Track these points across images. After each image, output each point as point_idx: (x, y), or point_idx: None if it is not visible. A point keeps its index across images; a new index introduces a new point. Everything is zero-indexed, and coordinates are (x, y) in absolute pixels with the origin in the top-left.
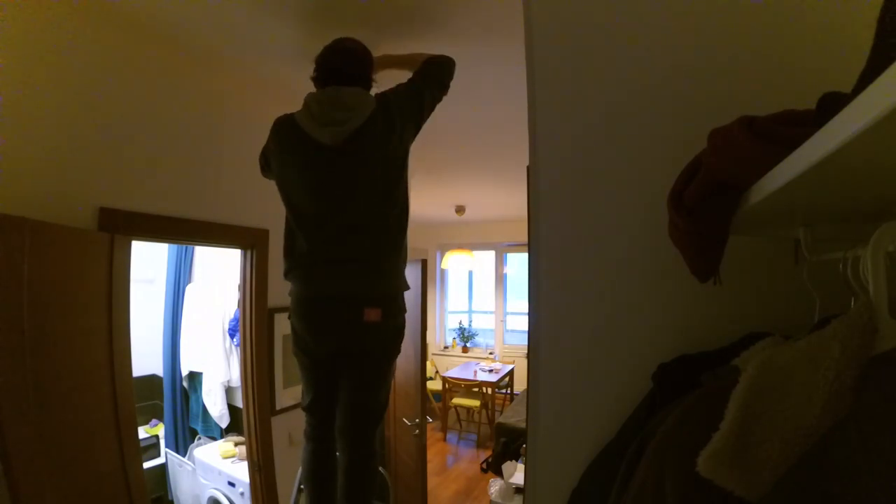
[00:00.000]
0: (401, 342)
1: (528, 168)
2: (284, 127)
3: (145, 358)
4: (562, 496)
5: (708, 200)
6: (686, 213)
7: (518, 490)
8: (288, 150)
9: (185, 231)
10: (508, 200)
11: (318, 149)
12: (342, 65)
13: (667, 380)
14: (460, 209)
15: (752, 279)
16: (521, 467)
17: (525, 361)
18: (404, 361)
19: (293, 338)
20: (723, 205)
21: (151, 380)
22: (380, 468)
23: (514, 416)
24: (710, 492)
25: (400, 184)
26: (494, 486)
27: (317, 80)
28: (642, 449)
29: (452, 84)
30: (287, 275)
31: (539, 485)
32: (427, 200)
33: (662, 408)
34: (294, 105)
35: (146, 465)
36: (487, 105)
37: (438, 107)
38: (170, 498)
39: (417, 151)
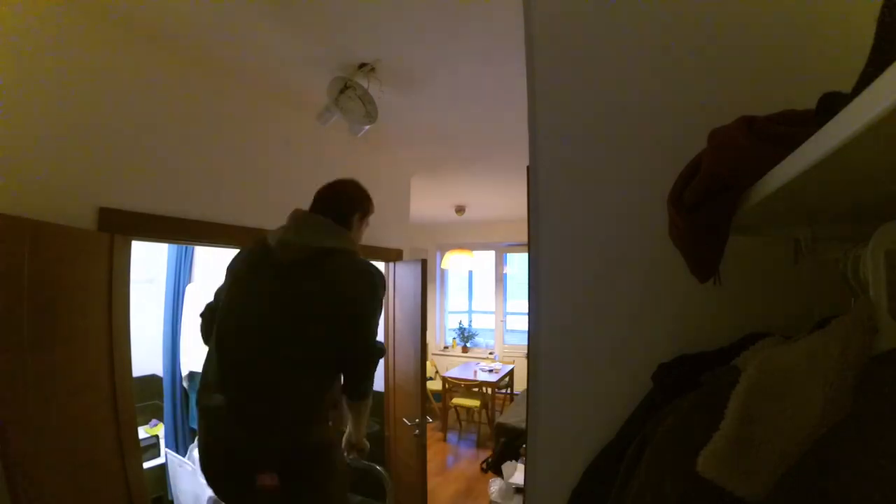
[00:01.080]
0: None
1: (528, 168)
2: (250, 247)
3: (145, 358)
4: (562, 496)
5: (708, 200)
6: (686, 213)
7: (518, 490)
8: (243, 265)
9: (185, 231)
10: (508, 200)
11: (272, 265)
12: (329, 197)
13: (667, 380)
14: (460, 209)
15: (752, 279)
16: (521, 467)
17: (525, 361)
18: (404, 361)
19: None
20: (723, 205)
21: (151, 380)
22: (379, 468)
23: (514, 416)
24: (710, 492)
25: (352, 331)
26: (494, 486)
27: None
28: (642, 449)
29: (453, 83)
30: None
31: (539, 485)
32: (427, 201)
33: (662, 408)
34: (294, 106)
35: (146, 465)
36: (488, 105)
37: (439, 107)
38: (170, 498)
39: (418, 151)
